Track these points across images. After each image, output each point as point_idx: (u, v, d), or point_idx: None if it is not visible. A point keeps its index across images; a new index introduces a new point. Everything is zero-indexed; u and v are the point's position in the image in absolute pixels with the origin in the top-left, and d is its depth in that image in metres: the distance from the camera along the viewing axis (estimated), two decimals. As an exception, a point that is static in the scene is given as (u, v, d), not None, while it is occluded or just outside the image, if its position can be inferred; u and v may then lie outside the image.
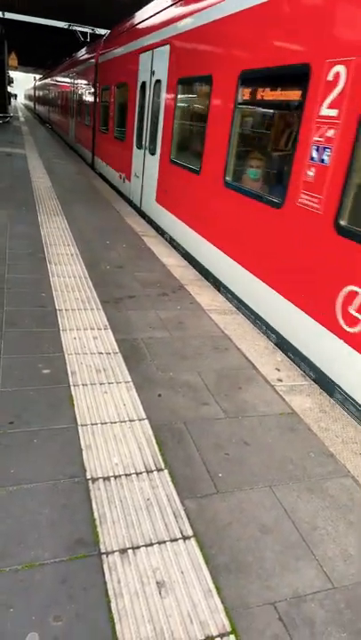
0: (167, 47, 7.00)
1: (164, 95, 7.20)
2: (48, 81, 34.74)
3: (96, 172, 13.54)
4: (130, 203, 9.54)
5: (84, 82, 16.06)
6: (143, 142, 8.31)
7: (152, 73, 7.71)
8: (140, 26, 8.82)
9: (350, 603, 1.96)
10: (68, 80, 21.15)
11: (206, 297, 5.08)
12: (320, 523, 2.34)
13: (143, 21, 8.57)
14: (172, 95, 6.83)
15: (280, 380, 3.59)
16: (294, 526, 2.30)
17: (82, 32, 25.89)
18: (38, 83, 49.79)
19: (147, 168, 8.16)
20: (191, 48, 6.18)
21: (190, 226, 6.34)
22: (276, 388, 3.49)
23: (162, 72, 7.17)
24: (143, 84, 8.29)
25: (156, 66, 7.54)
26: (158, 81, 7.40)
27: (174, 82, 6.69)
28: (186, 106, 6.83)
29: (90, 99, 14.78)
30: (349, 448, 2.92)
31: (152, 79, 7.73)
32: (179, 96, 6.71)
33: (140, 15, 8.94)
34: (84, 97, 16.46)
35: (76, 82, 18.49)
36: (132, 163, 9.25)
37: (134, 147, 8.96)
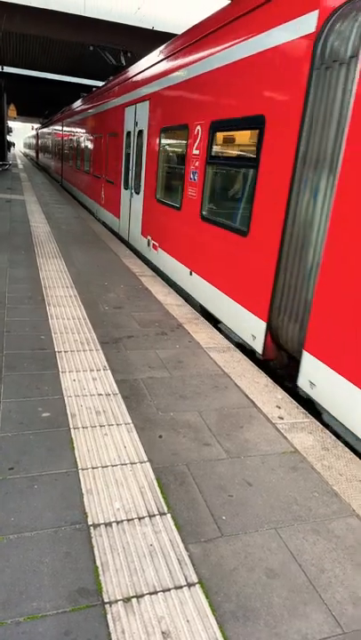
0: None
1: None
2: (58, 127, 24.94)
3: (233, 343, 5.16)
4: None
5: (171, 117, 7.03)
6: None
7: None
8: None
9: (362, 649, 1.90)
10: (110, 117, 11.47)
11: (204, 335, 5.11)
12: (327, 565, 2.30)
13: None
14: None
15: (281, 418, 3.58)
16: (301, 569, 2.26)
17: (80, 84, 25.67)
18: (42, 129, 39.31)
19: None
20: None
21: None
22: (277, 425, 3.47)
23: None
24: None
25: None
26: None
27: None
28: None
29: (179, 151, 6.78)
30: (354, 486, 2.88)
31: None
32: None
33: None
34: (160, 151, 7.64)
35: (139, 115, 8.82)
36: None
37: None
